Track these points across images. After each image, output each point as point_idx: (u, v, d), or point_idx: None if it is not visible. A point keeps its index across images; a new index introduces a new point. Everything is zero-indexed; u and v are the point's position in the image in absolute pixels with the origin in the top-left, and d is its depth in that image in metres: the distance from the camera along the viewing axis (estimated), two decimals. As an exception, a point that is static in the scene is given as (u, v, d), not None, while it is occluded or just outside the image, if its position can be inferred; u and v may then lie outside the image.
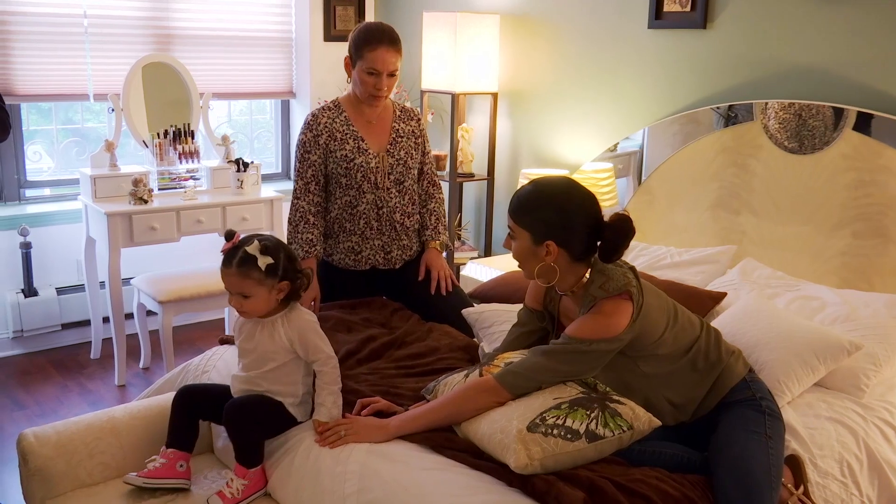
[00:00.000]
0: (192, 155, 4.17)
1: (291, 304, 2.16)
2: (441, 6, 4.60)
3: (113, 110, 4.08)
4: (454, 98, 4.17)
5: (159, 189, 4.05)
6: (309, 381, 2.20)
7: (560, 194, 2.08)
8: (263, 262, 2.05)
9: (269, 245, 2.08)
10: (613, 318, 2.01)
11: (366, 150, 2.92)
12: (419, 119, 3.07)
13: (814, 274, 3.06)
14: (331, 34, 4.89)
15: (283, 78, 4.94)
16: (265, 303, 2.10)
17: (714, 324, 2.56)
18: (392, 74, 2.85)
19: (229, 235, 2.11)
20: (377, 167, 2.93)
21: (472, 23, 4.08)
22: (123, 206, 3.83)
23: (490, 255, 4.38)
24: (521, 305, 2.37)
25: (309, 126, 2.94)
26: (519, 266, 2.16)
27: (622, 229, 2.05)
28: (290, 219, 2.97)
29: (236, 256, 2.07)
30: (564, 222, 2.05)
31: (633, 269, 2.14)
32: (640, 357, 2.08)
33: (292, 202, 2.97)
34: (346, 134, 2.93)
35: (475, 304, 2.98)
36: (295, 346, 2.13)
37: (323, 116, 2.94)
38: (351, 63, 2.89)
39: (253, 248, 2.06)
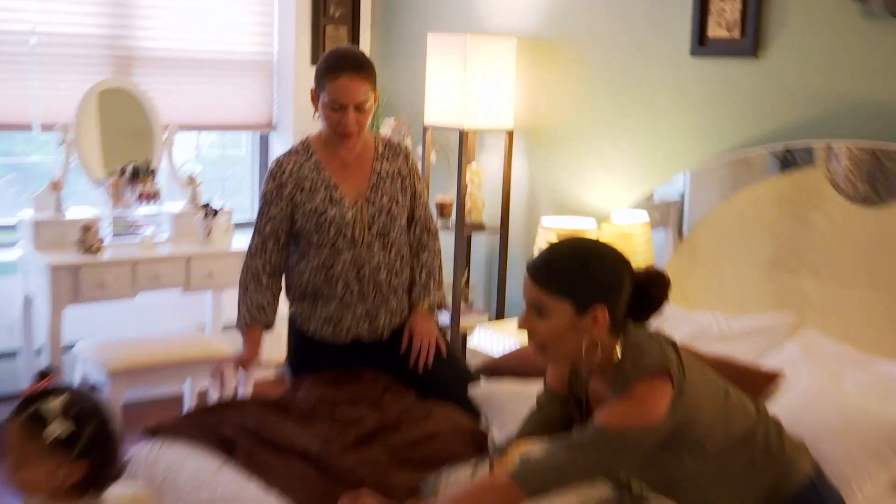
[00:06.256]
0: (153, 197, 4.18)
1: (97, 500, 1.93)
2: (448, 27, 4.64)
3: (62, 143, 4.10)
4: (463, 135, 4.19)
5: (113, 236, 4.05)
6: None
7: (596, 249, 2.10)
8: (57, 429, 1.84)
9: (78, 408, 1.87)
10: (649, 403, 1.99)
11: (339, 201, 2.90)
12: (407, 155, 3.05)
13: (890, 349, 3.03)
14: (319, 58, 4.92)
15: (261, 107, 4.98)
16: (44, 480, 1.87)
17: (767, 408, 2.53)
18: (360, 108, 2.83)
19: (42, 374, 1.93)
20: (354, 219, 2.90)
21: (485, 47, 4.11)
22: (69, 256, 3.82)
23: (502, 319, 4.36)
24: (540, 384, 2.35)
25: (272, 175, 2.94)
26: (546, 351, 2.10)
27: (661, 280, 2.08)
28: (241, 280, 2.99)
29: (27, 410, 1.86)
30: (613, 281, 2.04)
31: (672, 343, 2.13)
32: (685, 450, 2.06)
33: (245, 261, 2.99)
34: (316, 182, 2.91)
35: (484, 381, 2.96)
36: None
37: (288, 162, 2.94)
38: (316, 96, 2.90)
39: (51, 407, 1.84)
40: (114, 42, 4.44)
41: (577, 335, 2.04)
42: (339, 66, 2.81)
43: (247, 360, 2.97)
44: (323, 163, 2.94)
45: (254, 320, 2.95)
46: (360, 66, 2.83)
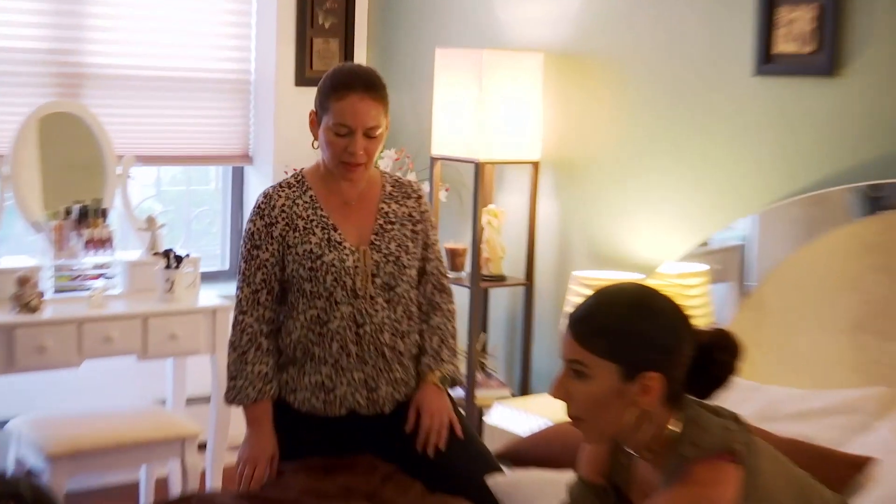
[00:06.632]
0: (104, 243, 4.19)
1: None
2: (461, 40, 4.67)
3: (-5, 179, 4.11)
4: (478, 169, 4.20)
5: (55, 291, 4.05)
6: None
7: (654, 301, 2.09)
8: None
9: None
10: (715, 490, 1.97)
11: (340, 244, 2.92)
12: (420, 197, 3.09)
13: None
14: (305, 76, 4.97)
15: (235, 136, 5.01)
16: None
17: (859, 504, 2.50)
18: (370, 134, 2.87)
19: None
20: (356, 267, 2.92)
21: (505, 64, 4.13)
22: (2, 314, 3.82)
23: (527, 394, 4.33)
24: (570, 473, 2.33)
25: (259, 211, 2.96)
26: (583, 424, 2.08)
27: (729, 345, 2.07)
28: (233, 343, 2.97)
29: None
30: (671, 343, 2.03)
31: (737, 418, 2.11)
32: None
33: (236, 318, 2.98)
34: (312, 221, 2.94)
35: (505, 469, 2.92)
36: None
37: (280, 197, 2.96)
38: (316, 120, 2.94)
39: None
40: (59, 58, 4.48)
41: (621, 405, 2.03)
42: (348, 84, 2.85)
43: (263, 455, 2.93)
44: (320, 199, 2.97)
45: (261, 394, 2.93)
46: (371, 86, 2.88)
